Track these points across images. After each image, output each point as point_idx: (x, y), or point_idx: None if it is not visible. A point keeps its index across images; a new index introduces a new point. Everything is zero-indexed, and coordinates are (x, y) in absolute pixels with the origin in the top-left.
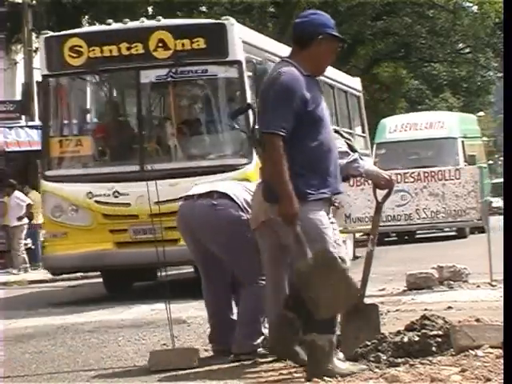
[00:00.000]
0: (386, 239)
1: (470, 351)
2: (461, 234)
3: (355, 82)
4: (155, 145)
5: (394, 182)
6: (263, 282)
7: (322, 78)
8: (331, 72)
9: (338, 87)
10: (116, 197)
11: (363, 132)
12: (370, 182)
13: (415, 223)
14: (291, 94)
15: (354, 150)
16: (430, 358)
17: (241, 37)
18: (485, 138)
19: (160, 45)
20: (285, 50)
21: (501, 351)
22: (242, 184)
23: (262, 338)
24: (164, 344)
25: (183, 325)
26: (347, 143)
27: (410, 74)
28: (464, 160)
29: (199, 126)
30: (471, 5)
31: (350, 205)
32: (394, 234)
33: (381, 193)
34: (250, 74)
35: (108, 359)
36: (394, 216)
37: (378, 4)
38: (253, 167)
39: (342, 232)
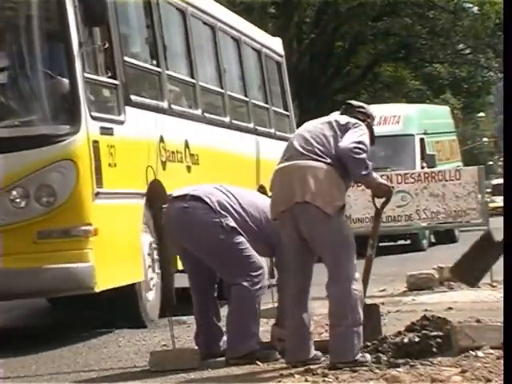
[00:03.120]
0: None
1: (471, 352)
2: (417, 247)
3: (275, 43)
4: None
5: (392, 191)
6: (245, 284)
7: (226, 28)
8: (237, 21)
9: (248, 43)
10: None
11: (286, 110)
12: None
13: (415, 224)
14: None
15: (370, 126)
16: (431, 359)
17: None
18: (485, 139)
19: None
20: None
21: (501, 352)
22: (222, 186)
23: (256, 338)
24: (164, 345)
25: (183, 325)
26: (359, 118)
27: (410, 74)
28: (421, 160)
29: None
30: (471, 5)
31: (351, 205)
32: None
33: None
34: None
35: (108, 360)
36: (394, 217)
37: (378, 5)
38: (81, 139)
39: None
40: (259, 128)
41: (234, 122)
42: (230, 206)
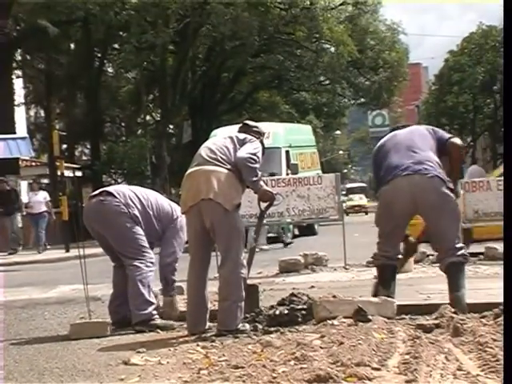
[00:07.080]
0: None
1: (328, 321)
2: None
3: None
4: None
5: (275, 197)
6: (140, 265)
7: None
8: None
9: None
10: None
11: None
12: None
13: (285, 219)
14: None
15: (262, 142)
16: (297, 327)
17: None
18: (341, 152)
19: None
20: None
21: (352, 320)
22: (130, 187)
23: (154, 306)
24: (82, 317)
25: (98, 301)
26: (253, 136)
27: (282, 100)
28: (287, 168)
29: None
30: (329, 46)
31: None
32: None
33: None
34: None
35: (36, 330)
36: (268, 213)
37: (256, 44)
38: None
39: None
40: None
41: None
42: (136, 199)
